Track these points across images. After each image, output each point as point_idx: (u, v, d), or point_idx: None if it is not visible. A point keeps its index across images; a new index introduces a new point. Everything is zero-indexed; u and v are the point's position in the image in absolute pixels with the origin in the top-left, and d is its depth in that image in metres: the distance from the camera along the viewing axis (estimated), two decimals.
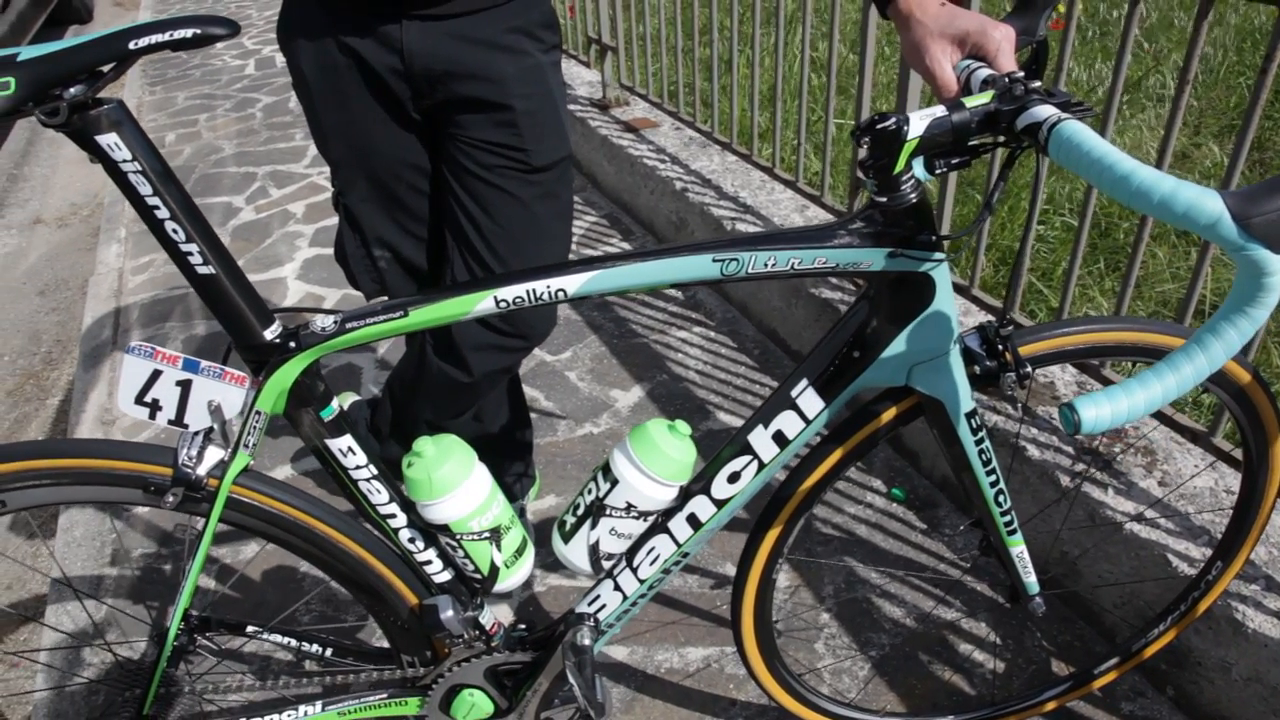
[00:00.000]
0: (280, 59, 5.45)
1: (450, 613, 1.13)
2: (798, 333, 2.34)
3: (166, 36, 0.83)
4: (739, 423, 2.17)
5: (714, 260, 0.91)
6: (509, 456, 1.86)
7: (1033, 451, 1.68)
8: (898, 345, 0.99)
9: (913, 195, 0.90)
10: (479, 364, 1.47)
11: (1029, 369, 0.99)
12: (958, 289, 2.00)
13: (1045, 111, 0.78)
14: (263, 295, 2.94)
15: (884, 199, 0.90)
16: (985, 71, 0.89)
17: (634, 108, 3.30)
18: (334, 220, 3.33)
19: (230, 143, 4.28)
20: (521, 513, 1.91)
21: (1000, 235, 2.73)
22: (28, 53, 0.80)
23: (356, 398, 2.09)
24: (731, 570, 1.81)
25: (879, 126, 0.84)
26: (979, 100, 0.83)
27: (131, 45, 0.82)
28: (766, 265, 0.92)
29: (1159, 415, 1.66)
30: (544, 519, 1.96)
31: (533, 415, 2.25)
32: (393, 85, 1.30)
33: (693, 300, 2.69)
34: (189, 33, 0.83)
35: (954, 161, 0.87)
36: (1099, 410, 0.72)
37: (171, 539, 1.95)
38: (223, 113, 4.70)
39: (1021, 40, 0.94)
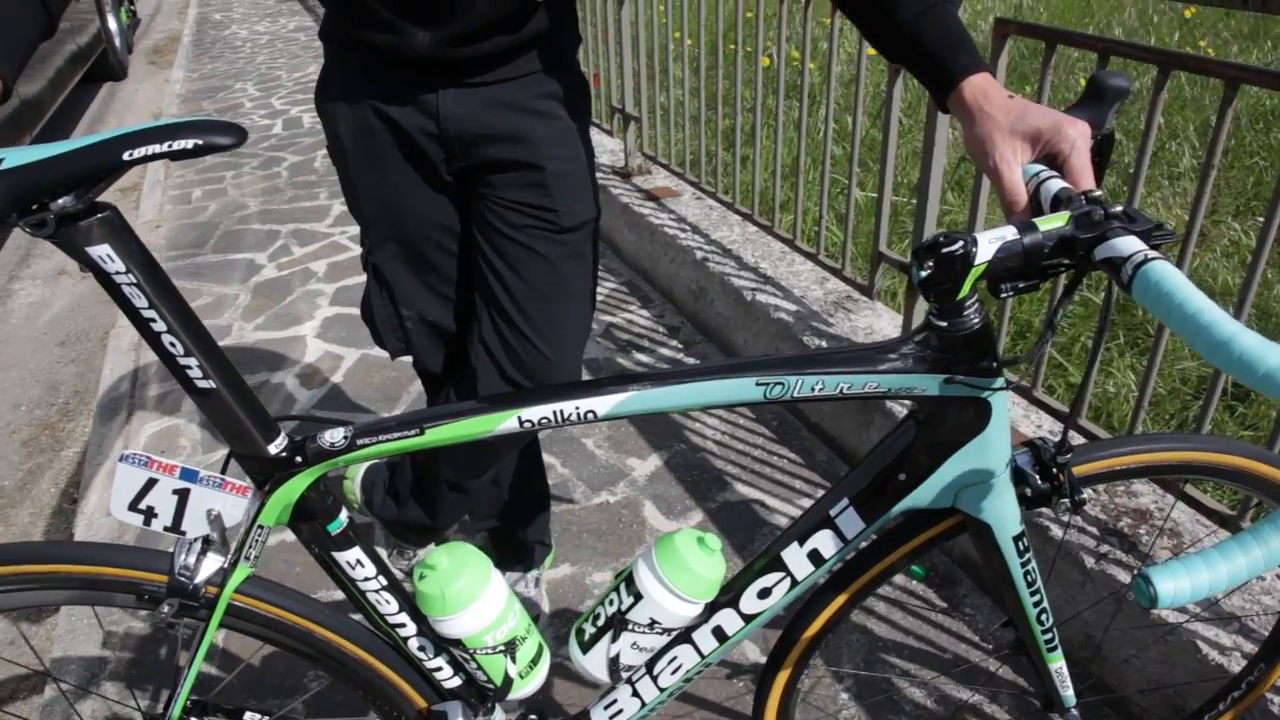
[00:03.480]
0: (308, 119, 5.56)
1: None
2: (817, 405, 2.33)
3: (165, 147, 0.76)
4: (757, 495, 2.15)
5: (757, 384, 0.87)
6: (526, 523, 1.84)
7: (1056, 532, 1.65)
8: (946, 470, 0.94)
9: (976, 320, 0.85)
10: None
11: (1084, 496, 0.94)
12: (1020, 390, 1.95)
13: (1129, 246, 0.71)
14: (282, 352, 2.96)
15: (944, 323, 0.85)
16: (1058, 184, 0.82)
17: (655, 176, 3.34)
18: (355, 280, 3.37)
19: (255, 200, 4.34)
20: (537, 581, 1.88)
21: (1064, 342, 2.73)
22: (14, 158, 0.74)
23: (374, 459, 2.08)
24: (752, 654, 1.77)
25: (945, 250, 0.77)
26: (1054, 223, 0.77)
27: (126, 156, 0.75)
28: (814, 390, 0.87)
29: (1184, 498, 1.63)
30: (558, 587, 1.93)
31: (550, 481, 2.23)
32: (426, 148, 1.32)
33: None
34: (189, 143, 0.76)
35: (1022, 285, 0.80)
36: (1177, 583, 0.67)
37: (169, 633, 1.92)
38: (249, 170, 4.78)
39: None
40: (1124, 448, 1.03)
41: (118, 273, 0.81)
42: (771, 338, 2.42)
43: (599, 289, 3.17)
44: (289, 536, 2.09)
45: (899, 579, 1.90)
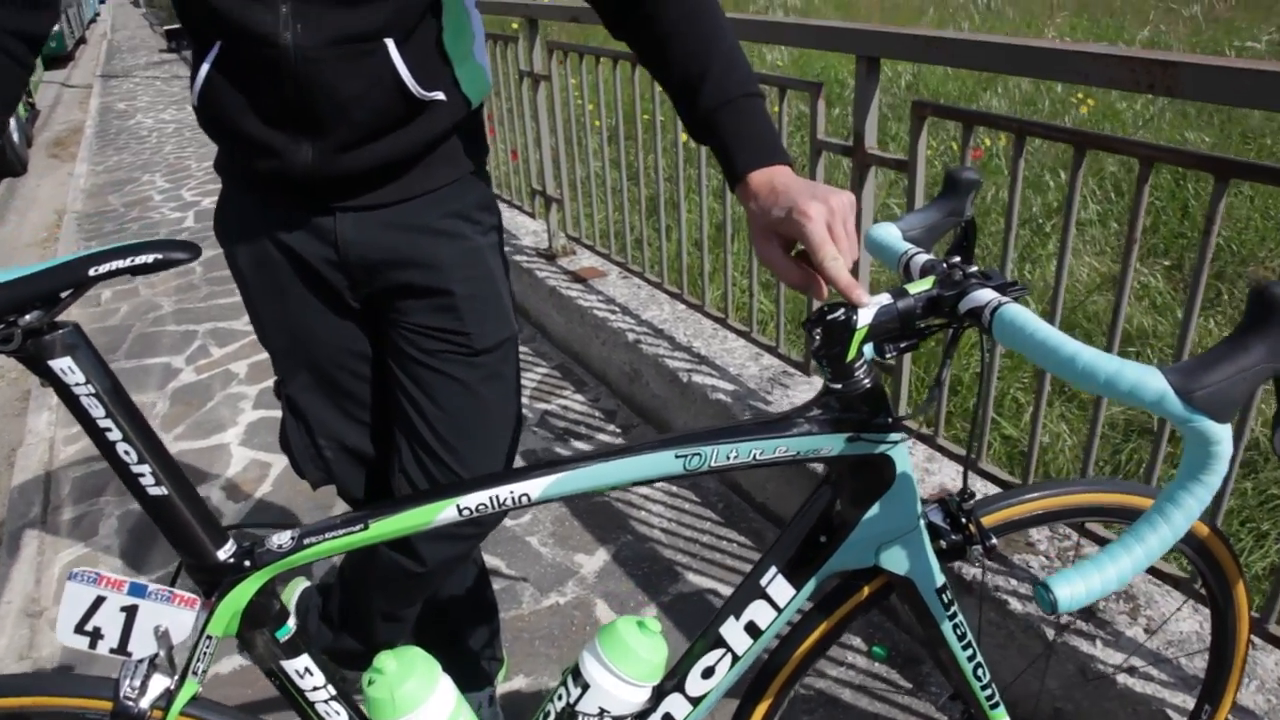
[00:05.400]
0: None
1: None
2: (761, 484, 2.31)
3: (128, 263, 0.84)
4: (709, 584, 2.11)
5: (676, 456, 0.92)
6: (474, 640, 1.77)
7: (1015, 605, 1.65)
8: (863, 529, 0.99)
9: (866, 381, 0.92)
10: (432, 554, 1.41)
11: (993, 541, 1.00)
12: (922, 438, 2.00)
13: (985, 296, 0.82)
14: (205, 464, 2.84)
15: (839, 385, 0.92)
16: (924, 257, 0.93)
17: (580, 257, 3.34)
18: None
19: (169, 299, 4.21)
20: (491, 699, 1.81)
21: (961, 383, 2.77)
22: None
23: (308, 584, 1.99)
24: None
25: (829, 318, 0.86)
26: (921, 287, 0.87)
27: (92, 272, 0.83)
28: (729, 458, 0.93)
29: None
30: (513, 701, 1.85)
31: (497, 586, 2.16)
32: (329, 276, 1.27)
33: None
34: (150, 258, 0.85)
35: (903, 345, 0.89)
36: (1073, 588, 0.74)
37: None
38: None
39: (949, 221, 0.99)
40: (1025, 496, 1.10)
41: (77, 384, 0.85)
42: (710, 419, 2.40)
43: (530, 375, 3.14)
44: (239, 662, 1.98)
45: (862, 662, 1.87)
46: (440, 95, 1.18)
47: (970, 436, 1.05)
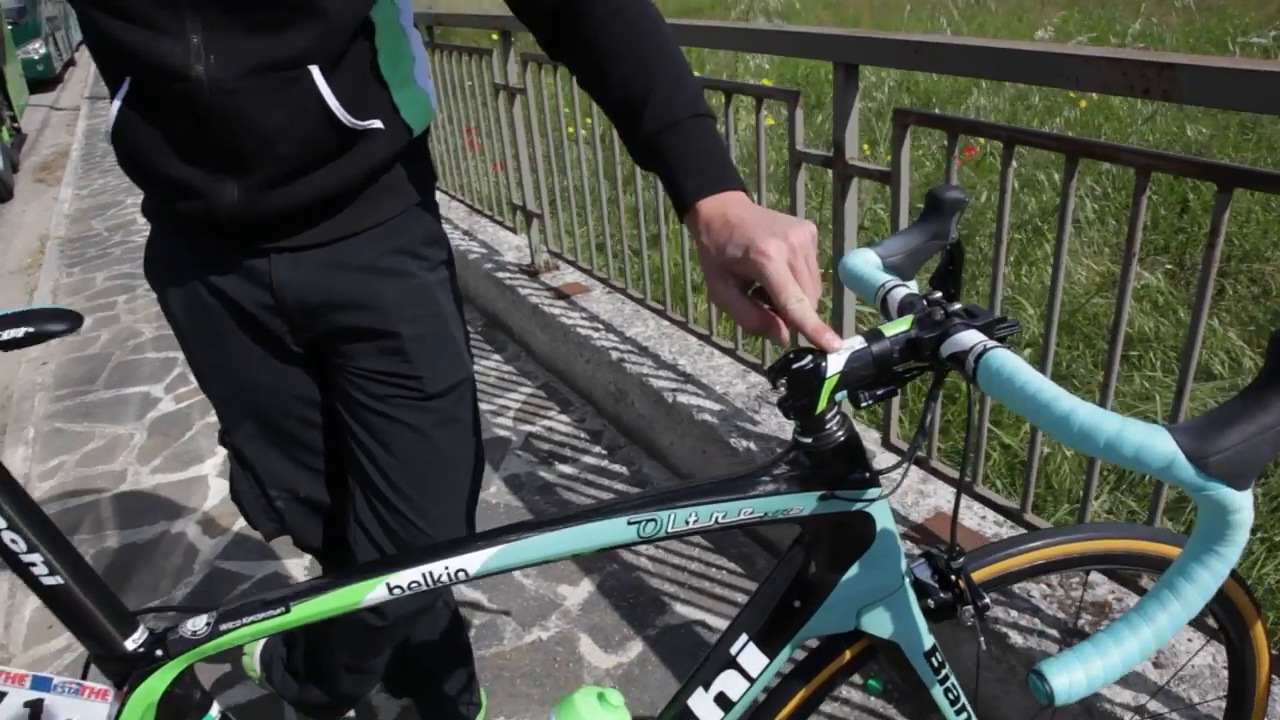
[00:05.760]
0: None
1: None
2: None
3: None
4: (698, 615, 2.02)
5: (629, 523, 0.83)
6: (449, 685, 1.68)
7: (1015, 638, 1.56)
8: (841, 591, 0.90)
9: (840, 433, 0.83)
10: (393, 608, 1.32)
11: (986, 601, 0.90)
12: (919, 463, 1.91)
13: (969, 339, 0.73)
14: (181, 498, 2.76)
15: (809, 440, 0.83)
16: (903, 291, 0.84)
17: (564, 273, 3.25)
18: None
19: (150, 325, 4.13)
20: None
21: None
22: None
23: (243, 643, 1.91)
24: None
25: (795, 366, 0.77)
26: (898, 328, 0.78)
27: None
28: (688, 523, 0.84)
29: (1140, 588, 1.56)
30: None
31: (477, 621, 2.08)
32: (266, 321, 1.18)
33: (639, 476, 2.57)
34: (20, 332, 0.80)
35: (880, 392, 0.79)
36: (1071, 676, 0.66)
37: None
38: (143, 293, 4.57)
39: (933, 245, 0.89)
40: (1017, 548, 1.01)
41: None
42: (697, 440, 2.32)
43: (515, 395, 3.05)
44: None
45: (857, 696, 1.79)
46: (377, 123, 1.10)
47: (957, 493, 0.95)
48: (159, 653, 0.84)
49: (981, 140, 4.65)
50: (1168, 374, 2.73)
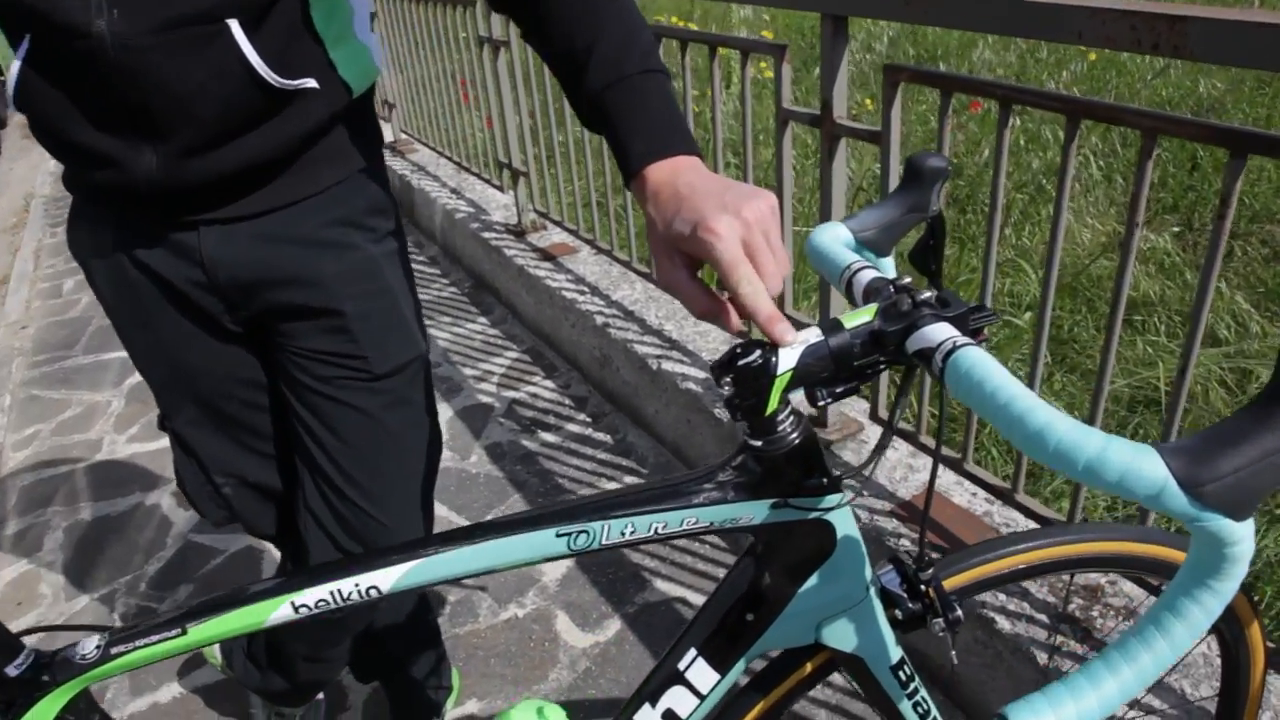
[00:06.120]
0: None
1: None
2: None
3: None
4: (679, 591, 1.96)
5: (558, 535, 0.76)
6: (417, 669, 1.63)
7: (1003, 623, 1.50)
8: (798, 604, 0.83)
9: (794, 435, 0.75)
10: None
11: (958, 613, 0.81)
12: (903, 435, 1.83)
13: (938, 334, 0.64)
14: (157, 468, 2.69)
15: (759, 443, 0.75)
16: (869, 274, 0.76)
17: (551, 233, 3.15)
18: None
19: None
20: None
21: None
22: None
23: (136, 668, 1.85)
24: None
25: (741, 362, 0.69)
26: (859, 318, 0.69)
27: None
28: (624, 534, 0.77)
29: (1138, 580, 1.49)
30: None
31: (452, 597, 2.02)
32: (199, 299, 1.10)
33: (623, 445, 2.49)
34: None
35: (840, 389, 0.72)
36: None
37: None
38: None
39: (911, 218, 0.80)
40: (994, 552, 0.94)
41: None
42: (682, 409, 2.24)
43: (501, 359, 2.97)
44: None
45: (839, 682, 1.73)
46: (311, 82, 1.00)
47: (926, 504, 0.86)
48: (45, 678, 0.78)
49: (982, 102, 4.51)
50: (1172, 339, 2.64)
